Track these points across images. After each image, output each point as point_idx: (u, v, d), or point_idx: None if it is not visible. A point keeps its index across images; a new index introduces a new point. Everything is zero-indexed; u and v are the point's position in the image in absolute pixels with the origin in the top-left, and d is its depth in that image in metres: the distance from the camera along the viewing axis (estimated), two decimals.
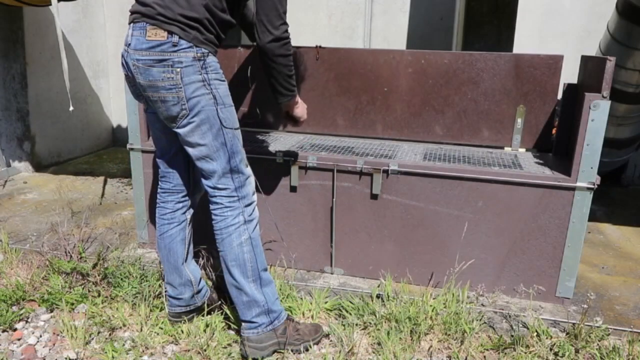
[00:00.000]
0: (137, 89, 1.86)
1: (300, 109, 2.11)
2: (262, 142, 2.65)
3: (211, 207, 1.88)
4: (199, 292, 2.09)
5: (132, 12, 1.78)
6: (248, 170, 1.91)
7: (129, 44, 1.77)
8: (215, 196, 1.86)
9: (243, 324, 1.92)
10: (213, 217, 1.88)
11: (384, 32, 4.70)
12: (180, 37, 1.70)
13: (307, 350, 1.95)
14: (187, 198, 2.03)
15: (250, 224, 1.88)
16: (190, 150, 1.83)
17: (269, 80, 1.93)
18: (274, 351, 1.92)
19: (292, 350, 1.93)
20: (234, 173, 1.85)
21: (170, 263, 2.05)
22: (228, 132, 1.81)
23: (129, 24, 1.78)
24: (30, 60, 4.19)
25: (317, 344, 2.00)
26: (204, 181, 1.88)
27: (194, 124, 1.77)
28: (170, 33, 1.70)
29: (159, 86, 1.74)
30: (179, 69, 1.71)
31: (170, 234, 2.03)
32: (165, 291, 2.13)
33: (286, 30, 1.82)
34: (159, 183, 2.05)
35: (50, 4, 3.62)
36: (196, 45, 1.72)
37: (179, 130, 1.81)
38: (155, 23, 1.70)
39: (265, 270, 1.92)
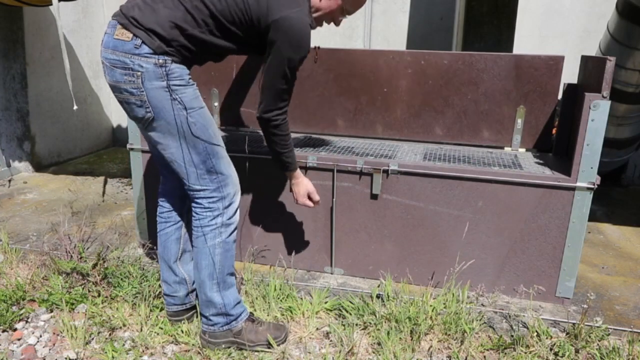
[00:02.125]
0: None
1: (298, 189, 2.10)
2: (262, 143, 2.64)
3: (192, 205, 1.89)
4: (193, 290, 2.10)
5: (115, 12, 1.78)
6: (228, 170, 1.87)
7: (102, 41, 1.78)
8: (195, 198, 1.86)
9: (201, 317, 1.96)
10: (193, 214, 1.89)
11: (384, 32, 4.71)
12: (143, 42, 1.68)
13: (263, 351, 1.96)
14: (184, 199, 2.03)
15: (228, 228, 1.88)
16: (163, 153, 1.83)
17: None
18: (229, 347, 1.96)
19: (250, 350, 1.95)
20: (212, 174, 1.83)
21: (164, 260, 2.06)
22: (200, 134, 1.78)
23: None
24: (30, 60, 4.19)
25: (281, 343, 1.99)
26: (183, 182, 1.86)
27: (160, 128, 1.76)
28: (135, 36, 1.69)
29: (122, 88, 1.74)
30: (139, 73, 1.69)
31: (166, 232, 2.05)
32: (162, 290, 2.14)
33: (276, 116, 1.85)
34: (160, 183, 2.06)
35: (51, 4, 3.62)
36: (159, 53, 1.70)
37: (147, 133, 1.81)
38: (125, 24, 1.70)
39: (232, 274, 1.94)
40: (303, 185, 2.10)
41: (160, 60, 1.69)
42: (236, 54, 1.92)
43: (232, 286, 1.96)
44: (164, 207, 2.05)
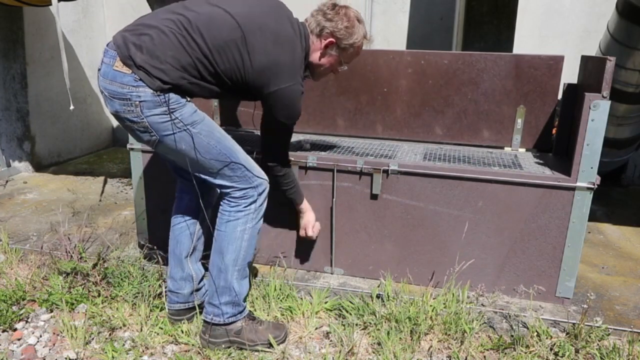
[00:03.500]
0: None
1: (303, 220, 2.31)
2: None
3: (224, 196, 1.92)
4: (198, 289, 2.10)
5: (115, 37, 1.77)
6: (249, 161, 1.91)
7: (99, 69, 1.79)
8: (228, 193, 1.90)
9: (207, 307, 1.96)
10: (225, 201, 1.91)
11: (384, 32, 4.71)
12: (142, 79, 1.71)
13: (264, 351, 1.96)
14: (203, 196, 2.04)
15: (259, 214, 1.94)
16: (184, 167, 1.88)
17: None
18: (229, 347, 1.96)
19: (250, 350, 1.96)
20: (235, 170, 1.86)
21: (175, 255, 2.08)
22: (209, 140, 1.82)
23: (106, 45, 1.79)
24: (30, 60, 4.19)
25: (281, 343, 2.00)
26: (213, 185, 1.92)
27: (169, 147, 1.81)
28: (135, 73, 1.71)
29: (122, 117, 1.78)
30: (137, 102, 1.72)
31: (181, 226, 2.07)
32: (166, 286, 2.14)
33: (278, 171, 2.09)
34: (177, 180, 2.09)
35: (51, 4, 3.62)
36: (156, 89, 1.73)
37: (159, 153, 1.85)
38: (127, 63, 1.71)
39: (250, 263, 1.97)
40: (305, 218, 2.32)
41: (159, 92, 1.73)
42: (226, 98, 2.10)
43: (247, 277, 1.99)
44: (182, 203, 2.08)
